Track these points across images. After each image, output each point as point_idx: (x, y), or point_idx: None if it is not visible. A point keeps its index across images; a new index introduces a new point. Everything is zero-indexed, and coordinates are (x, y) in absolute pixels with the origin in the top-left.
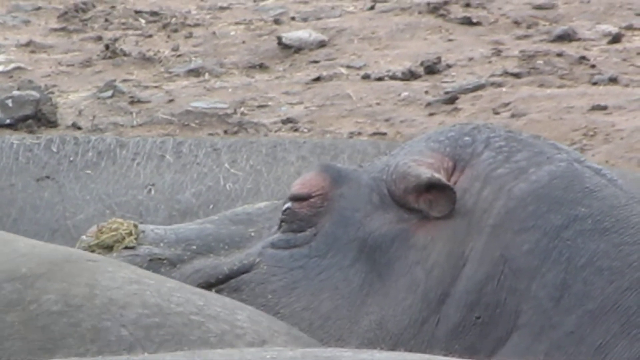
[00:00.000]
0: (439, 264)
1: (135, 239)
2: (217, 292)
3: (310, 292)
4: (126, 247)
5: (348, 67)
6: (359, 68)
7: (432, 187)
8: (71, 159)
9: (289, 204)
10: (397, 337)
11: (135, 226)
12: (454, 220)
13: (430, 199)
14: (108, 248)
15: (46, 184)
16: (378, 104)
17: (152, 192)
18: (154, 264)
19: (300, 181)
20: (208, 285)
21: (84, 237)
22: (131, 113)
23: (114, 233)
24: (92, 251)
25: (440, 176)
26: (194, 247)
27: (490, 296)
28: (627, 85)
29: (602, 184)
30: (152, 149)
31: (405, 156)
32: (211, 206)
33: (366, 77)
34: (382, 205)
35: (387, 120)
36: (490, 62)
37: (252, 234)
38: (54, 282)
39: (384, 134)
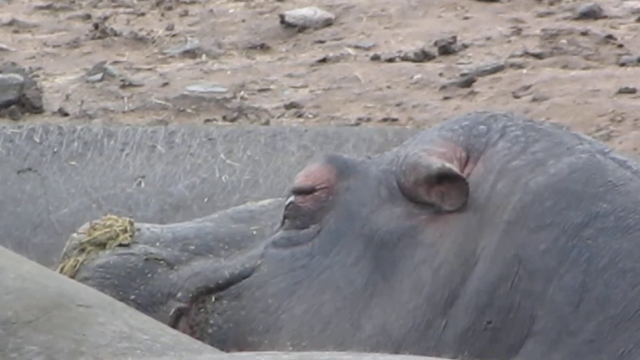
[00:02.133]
0: (448, 263)
1: (131, 236)
2: (217, 299)
3: (311, 294)
4: (120, 245)
5: (356, 47)
6: (368, 48)
7: (443, 178)
8: (55, 149)
9: (291, 198)
10: (400, 342)
11: (131, 223)
12: (465, 215)
13: (442, 191)
14: (101, 245)
15: (28, 176)
16: (389, 87)
17: (142, 184)
18: (151, 263)
19: (304, 173)
20: (207, 291)
21: (75, 234)
22: (122, 98)
23: (107, 230)
24: (84, 249)
25: (452, 166)
26: (192, 247)
27: (503, 299)
28: None
29: (627, 177)
30: (142, 138)
31: (416, 146)
32: (206, 199)
33: (376, 58)
34: (391, 199)
35: (398, 104)
36: (509, 41)
37: (254, 232)
38: (40, 333)
39: (395, 119)
